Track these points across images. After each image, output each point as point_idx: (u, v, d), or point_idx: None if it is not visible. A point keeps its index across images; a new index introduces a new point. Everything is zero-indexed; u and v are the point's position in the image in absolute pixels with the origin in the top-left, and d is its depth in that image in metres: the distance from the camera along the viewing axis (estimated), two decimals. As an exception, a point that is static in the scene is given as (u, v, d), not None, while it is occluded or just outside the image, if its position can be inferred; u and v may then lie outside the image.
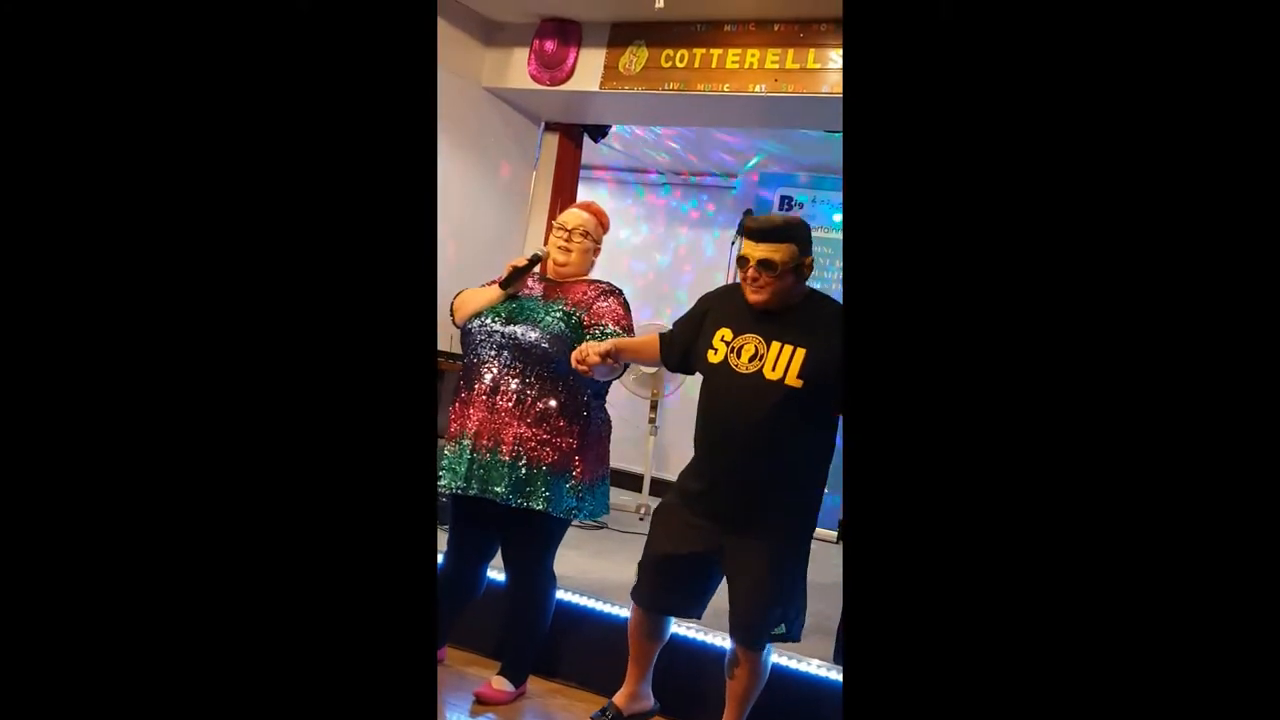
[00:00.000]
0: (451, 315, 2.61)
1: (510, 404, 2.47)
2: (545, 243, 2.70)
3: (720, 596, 2.54)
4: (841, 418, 2.24)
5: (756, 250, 2.18)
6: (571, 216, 2.65)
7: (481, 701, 2.57)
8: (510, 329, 2.48)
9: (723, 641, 2.56)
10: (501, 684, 2.63)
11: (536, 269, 2.60)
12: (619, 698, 2.51)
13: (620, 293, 2.64)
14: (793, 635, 2.28)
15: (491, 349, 2.49)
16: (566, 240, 2.59)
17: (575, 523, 2.69)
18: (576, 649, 2.86)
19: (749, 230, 2.23)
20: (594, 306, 2.53)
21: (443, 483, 2.50)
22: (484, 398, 2.48)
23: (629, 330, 2.55)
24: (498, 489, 2.44)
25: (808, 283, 2.29)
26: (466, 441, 2.48)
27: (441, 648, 2.81)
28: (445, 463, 2.51)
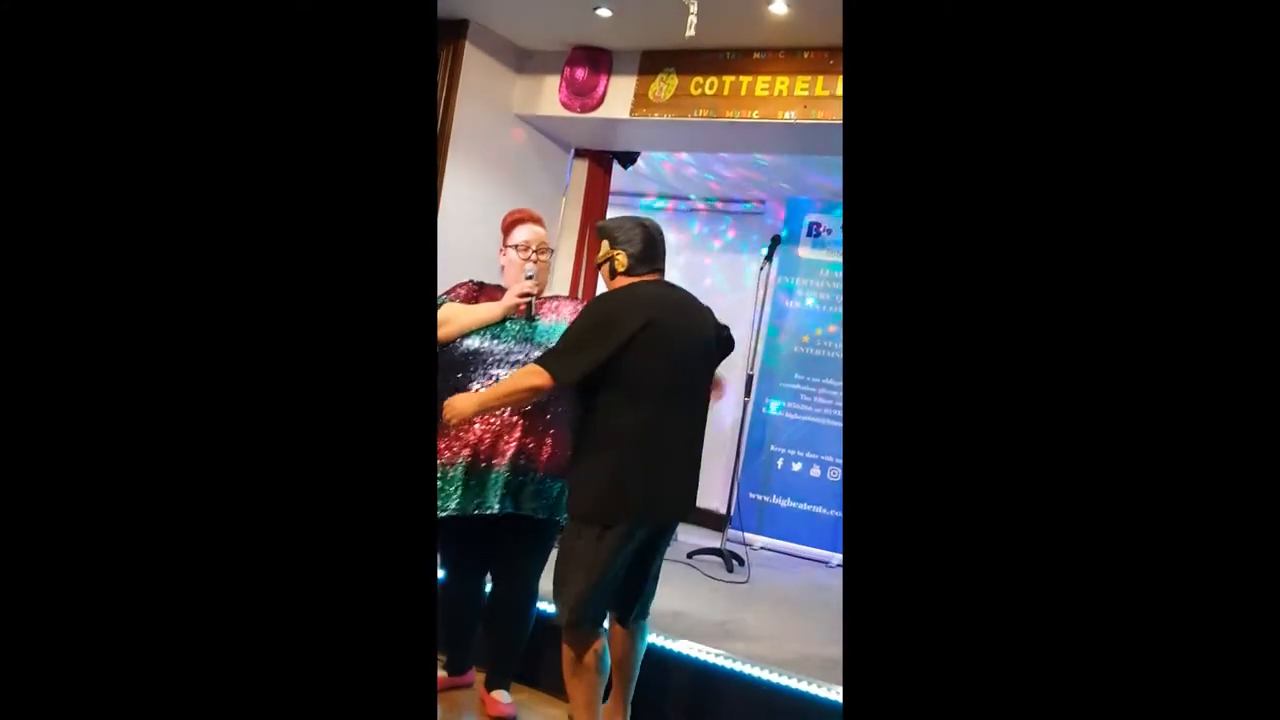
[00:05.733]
0: None
1: (544, 425, 2.57)
2: (502, 258, 2.76)
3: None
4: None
5: None
6: (535, 235, 2.73)
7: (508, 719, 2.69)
8: (536, 353, 2.56)
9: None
10: (503, 695, 2.74)
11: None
12: None
13: None
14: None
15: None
16: (537, 259, 2.69)
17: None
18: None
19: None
20: None
21: (481, 503, 2.54)
22: (522, 420, 2.55)
23: None
24: (531, 505, 2.55)
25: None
26: (504, 463, 2.54)
27: (469, 670, 2.87)
28: (472, 484, 2.55)
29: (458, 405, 2.38)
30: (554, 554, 2.47)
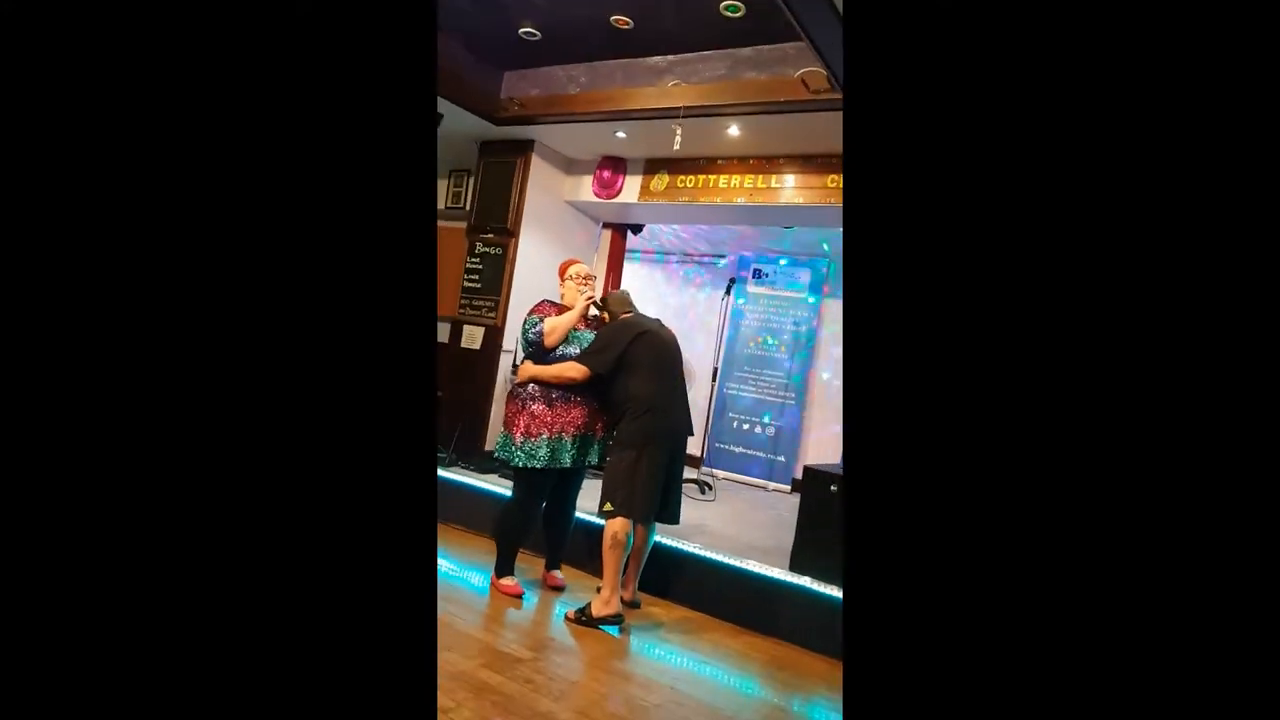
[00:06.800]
0: (541, 339, 3.40)
1: (598, 401, 3.47)
2: (561, 287, 3.63)
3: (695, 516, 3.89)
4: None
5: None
6: (586, 270, 3.55)
7: (561, 588, 3.60)
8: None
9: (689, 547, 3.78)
10: (557, 573, 3.67)
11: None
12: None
13: None
14: (620, 511, 3.21)
15: None
16: (588, 283, 3.59)
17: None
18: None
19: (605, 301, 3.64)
20: None
21: (564, 462, 3.35)
22: (583, 399, 3.41)
23: None
24: (593, 459, 3.49)
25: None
26: (581, 431, 3.38)
27: (513, 580, 3.51)
28: (561, 448, 3.33)
29: (523, 369, 3.39)
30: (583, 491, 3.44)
